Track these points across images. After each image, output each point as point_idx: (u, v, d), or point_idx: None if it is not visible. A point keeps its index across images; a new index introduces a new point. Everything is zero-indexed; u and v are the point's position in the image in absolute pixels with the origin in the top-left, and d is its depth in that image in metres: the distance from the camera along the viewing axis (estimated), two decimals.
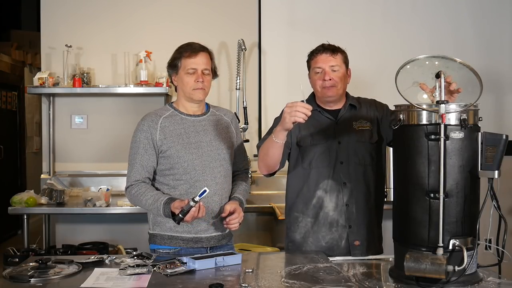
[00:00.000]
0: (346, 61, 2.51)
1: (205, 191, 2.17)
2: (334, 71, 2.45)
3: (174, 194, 2.38)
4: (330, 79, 2.44)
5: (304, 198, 2.51)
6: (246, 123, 4.11)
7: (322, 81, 2.46)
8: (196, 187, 2.37)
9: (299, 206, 2.53)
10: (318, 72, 2.47)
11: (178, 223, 2.24)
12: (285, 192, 2.64)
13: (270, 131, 2.55)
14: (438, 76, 1.86)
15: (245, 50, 4.10)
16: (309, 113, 2.14)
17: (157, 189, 2.41)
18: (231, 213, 2.36)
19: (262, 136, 2.65)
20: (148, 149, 2.38)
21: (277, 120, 2.58)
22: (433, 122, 1.85)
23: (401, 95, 1.86)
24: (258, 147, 2.52)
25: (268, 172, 2.52)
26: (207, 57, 2.43)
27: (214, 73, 2.49)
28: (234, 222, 2.35)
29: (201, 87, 2.39)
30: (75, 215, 4.11)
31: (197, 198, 2.18)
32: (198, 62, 2.39)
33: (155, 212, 2.36)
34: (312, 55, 2.51)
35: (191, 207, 2.19)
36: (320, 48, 2.50)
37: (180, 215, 2.20)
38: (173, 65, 2.42)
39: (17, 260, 3.36)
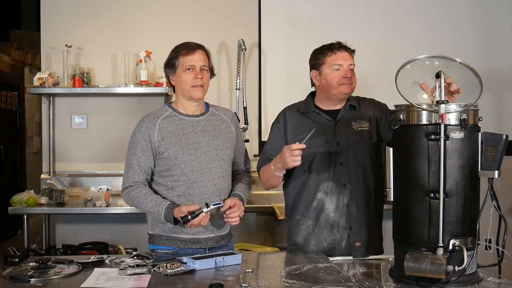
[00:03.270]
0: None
1: (220, 203, 2.26)
2: (351, 70, 2.47)
3: (172, 195, 2.38)
4: (350, 77, 2.44)
5: (304, 200, 2.50)
6: (246, 123, 4.11)
7: (342, 78, 2.44)
8: (194, 188, 2.37)
9: (300, 209, 2.52)
10: (338, 69, 2.44)
11: (184, 224, 2.24)
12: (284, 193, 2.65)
13: (268, 144, 2.57)
14: (438, 76, 1.86)
15: (245, 50, 4.10)
16: (304, 146, 2.28)
17: (154, 190, 2.42)
18: (230, 208, 2.34)
19: (262, 150, 2.64)
20: (145, 150, 2.38)
21: (274, 126, 2.59)
22: (433, 122, 1.85)
23: (401, 95, 1.86)
24: (259, 167, 2.58)
25: (270, 188, 2.62)
26: (204, 55, 2.43)
27: (211, 72, 2.49)
28: (234, 216, 2.33)
29: (200, 83, 2.38)
30: (75, 215, 4.11)
31: (211, 206, 2.22)
32: (196, 59, 2.39)
33: (154, 216, 2.37)
34: (330, 50, 2.47)
35: (202, 211, 2.21)
36: (337, 45, 2.47)
37: (189, 217, 2.21)
38: (170, 65, 2.42)
39: (17, 260, 3.36)
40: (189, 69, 2.38)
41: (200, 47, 2.44)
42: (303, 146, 2.26)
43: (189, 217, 2.21)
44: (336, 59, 2.45)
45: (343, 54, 2.46)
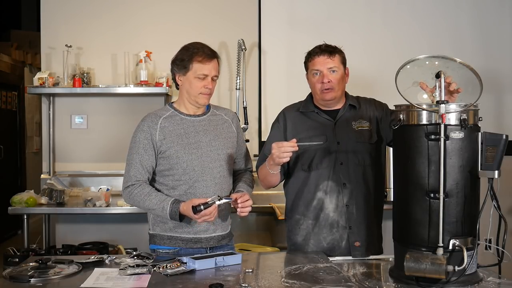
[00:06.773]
0: (344, 62, 2.50)
1: (230, 198, 2.32)
2: (333, 71, 2.45)
3: (173, 195, 2.38)
4: (328, 81, 2.43)
5: (304, 200, 2.51)
6: (246, 123, 4.11)
7: (320, 84, 2.45)
8: (195, 188, 2.38)
9: (300, 208, 2.52)
10: (316, 74, 2.46)
11: (195, 213, 2.23)
12: (284, 192, 2.65)
13: (267, 144, 2.55)
14: (438, 76, 1.86)
15: (245, 50, 4.10)
16: (296, 148, 2.24)
17: (156, 189, 2.41)
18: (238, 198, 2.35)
19: (260, 151, 2.66)
20: (148, 149, 2.38)
21: (274, 126, 2.59)
22: (433, 122, 1.85)
23: (401, 95, 1.86)
24: (257, 166, 2.58)
25: (269, 187, 2.61)
26: (217, 64, 2.43)
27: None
28: (246, 205, 2.33)
29: (208, 93, 2.41)
30: (75, 215, 4.11)
31: (223, 200, 2.25)
32: (210, 68, 2.39)
33: (158, 213, 2.36)
34: (310, 56, 2.49)
35: (214, 203, 2.23)
36: (317, 49, 2.47)
37: (202, 207, 2.22)
38: (182, 66, 2.40)
39: (17, 260, 3.36)
40: (201, 77, 2.38)
41: (215, 56, 2.42)
42: (294, 144, 2.23)
43: (202, 207, 2.22)
44: (314, 65, 2.47)
45: (321, 59, 2.45)
